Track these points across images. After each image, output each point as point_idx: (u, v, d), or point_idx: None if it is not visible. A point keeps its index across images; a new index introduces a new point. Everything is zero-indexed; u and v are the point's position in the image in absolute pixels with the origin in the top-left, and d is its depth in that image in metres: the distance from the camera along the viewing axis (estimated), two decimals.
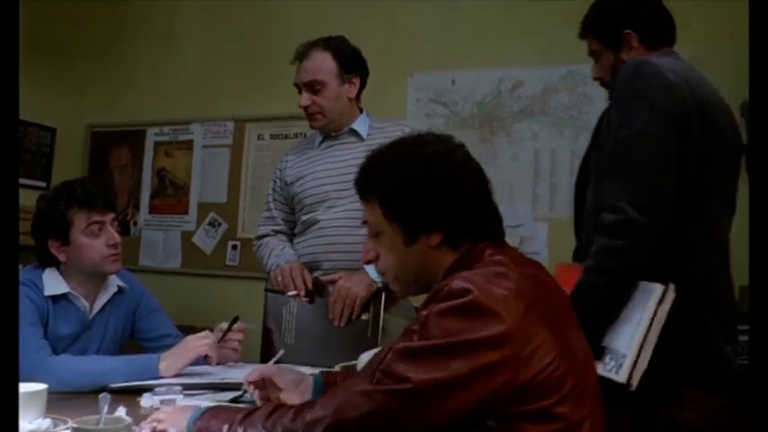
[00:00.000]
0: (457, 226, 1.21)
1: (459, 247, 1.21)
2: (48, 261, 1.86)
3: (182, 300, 3.51)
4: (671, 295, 1.43)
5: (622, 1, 1.81)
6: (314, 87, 2.12)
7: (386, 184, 1.23)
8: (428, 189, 1.20)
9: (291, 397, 1.42)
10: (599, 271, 1.47)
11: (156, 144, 4.03)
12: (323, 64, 2.13)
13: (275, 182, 2.30)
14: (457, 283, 1.07)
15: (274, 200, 2.28)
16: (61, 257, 1.84)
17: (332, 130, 2.20)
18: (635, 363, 1.40)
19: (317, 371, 1.58)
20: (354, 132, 2.19)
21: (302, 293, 2.01)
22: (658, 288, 1.43)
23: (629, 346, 1.42)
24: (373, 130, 2.19)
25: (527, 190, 3.26)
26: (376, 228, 1.26)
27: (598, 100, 3.19)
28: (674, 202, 1.51)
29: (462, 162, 1.24)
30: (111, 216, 1.89)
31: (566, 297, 1.24)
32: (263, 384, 1.47)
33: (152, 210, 3.99)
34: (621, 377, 1.40)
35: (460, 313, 1.04)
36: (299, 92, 2.17)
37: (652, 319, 1.42)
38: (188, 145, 3.93)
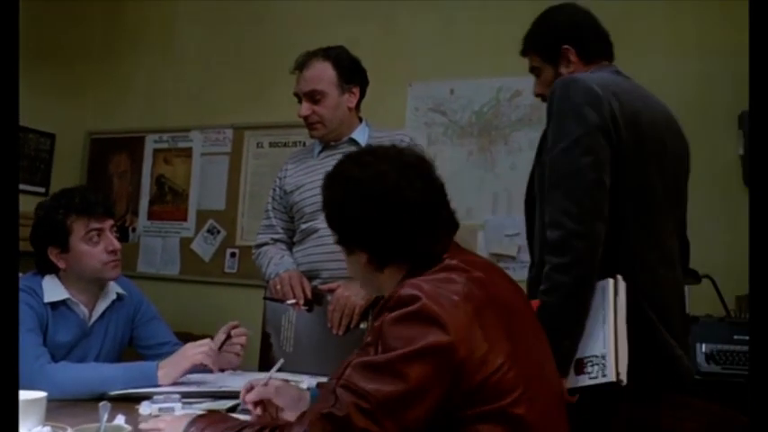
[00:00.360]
0: (379, 249, 1.24)
1: (392, 268, 1.25)
2: (47, 268, 1.87)
3: (180, 306, 3.52)
4: (622, 285, 1.46)
5: (561, 19, 1.87)
6: (314, 97, 2.13)
7: (326, 198, 1.31)
8: (346, 211, 1.26)
9: (292, 415, 1.42)
10: (552, 290, 1.49)
11: (156, 151, 4.04)
12: (323, 74, 2.14)
13: (274, 190, 2.30)
14: (405, 290, 1.10)
15: (273, 208, 2.29)
16: (61, 264, 1.85)
17: (331, 140, 2.21)
18: (616, 358, 1.42)
19: (315, 380, 1.58)
20: (354, 142, 2.20)
21: (301, 302, 2.01)
22: (609, 282, 1.47)
23: (604, 345, 1.44)
24: (372, 140, 2.20)
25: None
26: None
27: None
28: (616, 214, 1.54)
29: (390, 187, 1.23)
30: (109, 222, 1.90)
31: (523, 300, 1.26)
32: (261, 403, 1.46)
33: (151, 216, 4.00)
34: (610, 376, 1.41)
35: (411, 321, 1.07)
36: (299, 101, 2.17)
37: (615, 313, 1.45)
38: (187, 152, 3.94)
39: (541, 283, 1.51)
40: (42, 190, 3.90)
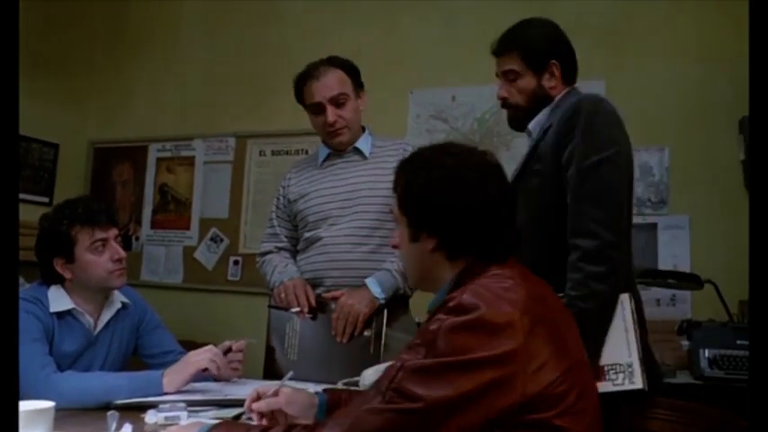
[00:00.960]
0: (451, 238, 1.25)
1: (456, 261, 1.25)
2: (53, 278, 1.88)
3: (183, 315, 3.52)
4: (631, 301, 1.56)
5: (552, 33, 1.91)
6: (339, 101, 2.13)
7: (404, 179, 1.31)
8: (431, 195, 1.26)
9: (305, 421, 1.43)
10: (590, 297, 1.52)
11: (158, 160, 4.06)
12: (343, 78, 2.15)
13: (278, 199, 2.31)
14: (466, 297, 1.10)
15: (278, 216, 2.29)
16: (66, 275, 1.86)
17: (346, 146, 2.20)
18: (642, 366, 1.50)
19: (320, 387, 1.58)
20: (358, 151, 2.20)
21: (305, 310, 2.01)
22: (626, 296, 1.55)
23: (629, 354, 1.50)
24: (376, 149, 2.21)
25: None
26: (396, 218, 1.35)
27: None
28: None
29: (475, 180, 1.26)
30: (114, 231, 1.91)
31: (570, 315, 1.27)
32: (270, 415, 1.46)
33: (154, 225, 4.01)
34: (638, 383, 1.48)
35: (469, 330, 1.07)
36: (317, 113, 2.16)
37: (634, 323, 1.54)
38: (190, 161, 3.96)
39: (573, 289, 1.54)
40: (46, 200, 3.91)
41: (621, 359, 1.51)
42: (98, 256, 1.85)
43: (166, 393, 1.71)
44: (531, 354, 1.07)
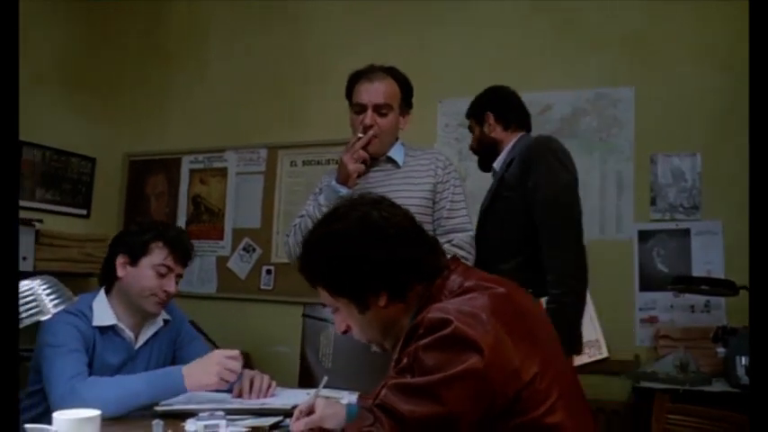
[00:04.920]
0: (394, 282, 1.27)
1: (407, 297, 1.28)
2: (107, 275, 1.93)
3: (217, 324, 3.57)
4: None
5: (488, 92, 2.56)
6: (381, 110, 2.14)
7: (318, 269, 1.33)
8: (352, 261, 1.27)
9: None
10: (571, 293, 2.08)
11: (192, 171, 4.12)
12: (393, 90, 2.17)
13: (315, 193, 2.29)
14: (433, 314, 1.12)
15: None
16: (120, 273, 1.90)
17: (377, 156, 2.20)
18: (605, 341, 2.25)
19: (354, 396, 1.61)
20: (391, 160, 2.21)
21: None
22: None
23: (595, 333, 2.24)
24: (408, 158, 2.22)
25: None
26: (333, 305, 1.36)
27: (627, 123, 3.21)
28: None
29: (380, 222, 1.28)
30: (180, 270, 1.96)
31: (538, 308, 1.32)
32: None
33: (188, 236, 4.06)
34: (604, 353, 2.23)
35: (445, 345, 1.09)
36: (358, 112, 2.17)
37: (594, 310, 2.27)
38: (222, 172, 4.02)
39: (554, 288, 2.06)
40: (84, 212, 4.01)
41: (590, 336, 2.18)
42: (155, 277, 1.90)
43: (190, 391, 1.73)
44: (507, 355, 1.09)
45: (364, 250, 1.26)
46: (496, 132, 2.47)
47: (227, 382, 1.77)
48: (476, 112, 2.56)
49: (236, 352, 1.82)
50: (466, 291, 1.19)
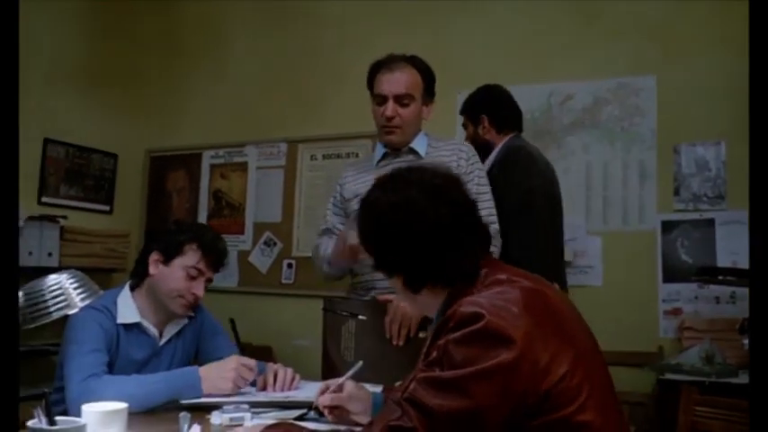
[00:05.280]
0: (411, 274, 1.27)
1: (420, 292, 1.27)
2: (139, 270, 1.95)
3: (239, 318, 3.55)
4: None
5: (483, 92, 2.74)
6: (403, 101, 2.12)
7: (358, 225, 1.34)
8: (375, 238, 1.29)
9: (364, 419, 1.49)
10: None
11: (212, 166, 4.15)
12: (415, 80, 2.14)
13: (335, 197, 2.32)
14: (465, 308, 1.11)
15: (334, 214, 2.30)
16: (152, 270, 1.91)
17: (399, 147, 2.21)
18: None
19: (378, 389, 1.61)
20: (413, 151, 2.20)
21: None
22: None
23: None
24: (431, 149, 2.20)
25: (580, 203, 3.25)
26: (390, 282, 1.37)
27: (650, 111, 3.18)
28: None
29: (418, 214, 1.24)
30: (211, 275, 1.97)
31: (571, 305, 1.27)
32: (335, 409, 1.52)
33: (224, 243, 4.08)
34: None
35: (476, 340, 1.08)
36: (379, 103, 2.15)
37: None
38: (243, 167, 4.04)
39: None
40: (107, 208, 4.05)
41: None
42: (186, 278, 1.90)
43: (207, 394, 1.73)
44: (538, 351, 1.07)
45: (388, 232, 1.26)
46: (490, 135, 2.66)
47: (239, 388, 1.78)
48: (470, 113, 2.71)
49: (253, 362, 1.83)
50: (497, 284, 1.17)
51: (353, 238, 1.59)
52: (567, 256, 3.18)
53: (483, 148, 2.54)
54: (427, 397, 1.07)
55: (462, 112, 2.77)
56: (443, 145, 2.21)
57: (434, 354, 1.12)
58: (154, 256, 1.92)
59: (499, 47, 3.46)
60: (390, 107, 2.12)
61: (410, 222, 1.24)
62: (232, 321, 2.09)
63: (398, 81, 2.12)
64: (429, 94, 2.20)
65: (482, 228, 1.31)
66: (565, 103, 3.32)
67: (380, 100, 2.15)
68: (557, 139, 3.32)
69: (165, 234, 1.97)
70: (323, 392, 1.53)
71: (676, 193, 3.12)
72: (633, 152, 3.20)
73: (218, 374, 1.76)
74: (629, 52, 3.25)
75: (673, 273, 3.09)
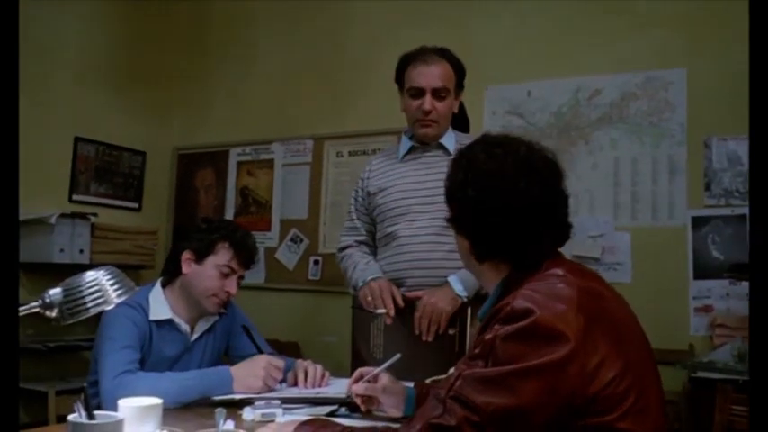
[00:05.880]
0: (480, 243, 1.25)
1: (482, 263, 1.25)
2: (171, 269, 1.97)
3: (266, 314, 3.61)
4: None
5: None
6: (439, 94, 2.12)
7: (448, 171, 1.32)
8: (459, 193, 1.26)
9: (394, 412, 1.51)
10: None
11: (239, 163, 4.17)
12: (449, 73, 2.14)
13: (357, 192, 2.31)
14: (518, 302, 1.09)
15: (356, 210, 2.30)
16: (185, 270, 1.94)
17: (431, 141, 2.20)
18: None
19: (409, 385, 1.61)
20: (442, 147, 2.19)
21: (392, 313, 2.02)
22: None
23: None
24: (459, 145, 2.18)
25: (608, 199, 3.21)
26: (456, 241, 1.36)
27: (679, 106, 3.13)
28: None
29: (509, 187, 1.20)
30: (243, 272, 1.99)
31: (628, 308, 1.23)
32: (368, 399, 1.54)
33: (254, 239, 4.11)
34: None
35: (525, 337, 1.06)
36: (415, 96, 2.13)
37: None
38: (269, 164, 4.06)
39: None
40: (136, 205, 4.10)
41: None
42: (218, 277, 1.93)
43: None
44: (587, 354, 1.05)
45: (474, 193, 1.23)
46: None
47: (269, 387, 1.79)
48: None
49: (281, 362, 1.85)
50: (555, 278, 1.14)
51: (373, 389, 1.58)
52: (595, 253, 3.15)
53: None
54: (473, 394, 1.05)
55: None
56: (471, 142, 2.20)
57: (481, 347, 1.11)
58: (186, 255, 1.94)
59: (526, 41, 3.43)
60: (428, 101, 2.11)
61: (498, 193, 1.21)
62: (245, 328, 2.10)
63: (434, 74, 2.11)
64: (460, 86, 2.19)
65: (567, 223, 1.28)
66: (592, 99, 3.29)
67: (416, 92, 2.13)
68: (584, 134, 3.28)
69: (196, 233, 1.99)
70: (357, 380, 1.55)
71: (707, 188, 3.07)
72: (662, 147, 3.16)
73: (249, 373, 1.78)
74: (657, 45, 3.20)
75: (704, 269, 3.04)
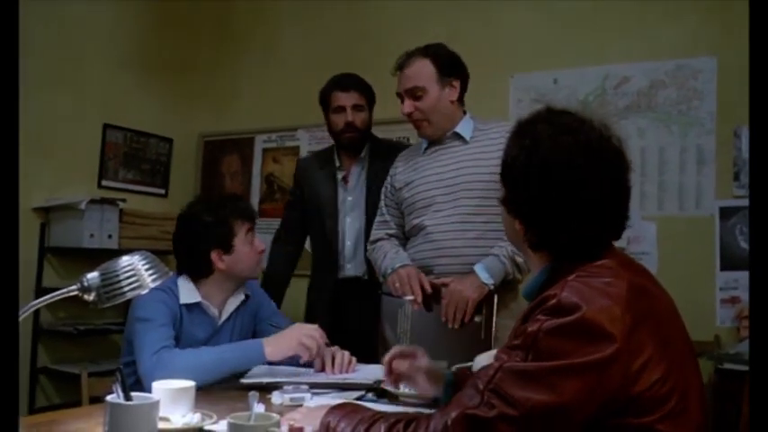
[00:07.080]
0: (533, 230, 1.19)
1: (533, 250, 1.21)
2: (202, 271, 1.98)
3: (292, 300, 3.65)
4: None
5: None
6: (415, 94, 2.16)
7: (505, 150, 1.25)
8: (517, 174, 1.20)
9: (429, 394, 1.54)
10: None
11: (264, 150, 4.21)
12: (422, 70, 2.17)
13: (386, 187, 2.37)
14: (566, 295, 1.04)
15: (386, 205, 2.35)
16: (220, 266, 1.96)
17: (435, 137, 2.23)
18: None
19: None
20: (458, 136, 2.21)
21: (419, 299, 2.04)
22: None
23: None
24: (477, 132, 2.21)
25: (634, 188, 3.08)
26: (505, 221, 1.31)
27: (709, 94, 3.09)
28: None
29: (575, 177, 1.14)
30: (252, 226, 2.06)
31: (673, 305, 1.19)
32: (398, 375, 1.59)
33: (261, 214, 4.12)
34: None
35: (570, 333, 1.02)
36: (402, 101, 2.21)
37: None
38: (294, 151, 4.08)
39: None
40: (163, 191, 4.15)
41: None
42: (251, 250, 2.00)
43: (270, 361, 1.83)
44: (633, 354, 1.02)
45: (536, 179, 1.16)
46: None
47: (307, 349, 1.82)
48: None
49: (315, 326, 1.89)
50: (605, 270, 1.10)
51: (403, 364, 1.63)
52: (621, 242, 3.13)
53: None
54: (513, 388, 1.02)
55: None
56: (493, 127, 2.21)
57: (522, 338, 1.07)
58: (215, 255, 1.96)
59: (552, 29, 3.40)
60: (406, 104, 2.18)
61: (562, 182, 1.14)
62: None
63: (407, 76, 2.18)
64: (447, 74, 2.18)
65: (626, 216, 1.22)
66: (619, 87, 3.26)
67: (401, 100, 2.21)
68: (611, 123, 3.25)
69: (208, 230, 1.97)
70: (393, 357, 1.59)
71: (736, 178, 3.03)
72: (690, 136, 3.13)
73: (283, 337, 1.85)
74: (688, 33, 3.16)
75: (731, 260, 3.01)
